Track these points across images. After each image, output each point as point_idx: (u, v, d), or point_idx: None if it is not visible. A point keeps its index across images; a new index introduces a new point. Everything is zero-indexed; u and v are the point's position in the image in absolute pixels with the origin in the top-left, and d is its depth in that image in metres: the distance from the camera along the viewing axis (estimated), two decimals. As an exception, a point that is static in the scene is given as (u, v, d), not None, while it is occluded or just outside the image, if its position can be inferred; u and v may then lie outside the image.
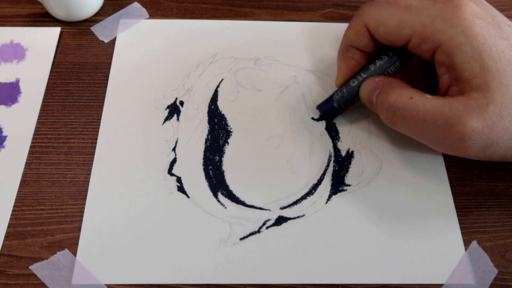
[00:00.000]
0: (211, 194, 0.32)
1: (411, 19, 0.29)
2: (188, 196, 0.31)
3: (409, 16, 0.29)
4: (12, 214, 0.30)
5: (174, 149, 0.33)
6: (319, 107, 0.34)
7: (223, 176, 0.32)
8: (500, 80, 0.26)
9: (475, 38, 0.27)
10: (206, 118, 0.35)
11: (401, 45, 0.30)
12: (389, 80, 0.31)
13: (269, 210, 0.31)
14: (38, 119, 0.35)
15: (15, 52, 0.38)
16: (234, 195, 0.32)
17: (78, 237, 0.30)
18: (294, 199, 0.31)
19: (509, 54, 0.27)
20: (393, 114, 0.29)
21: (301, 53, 0.39)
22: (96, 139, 0.34)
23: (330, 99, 0.33)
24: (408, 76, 0.33)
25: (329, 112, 0.34)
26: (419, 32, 0.28)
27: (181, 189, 0.32)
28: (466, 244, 0.30)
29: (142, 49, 0.38)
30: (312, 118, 0.35)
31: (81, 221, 0.30)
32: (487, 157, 0.29)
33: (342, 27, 0.40)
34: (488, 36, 0.27)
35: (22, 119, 0.34)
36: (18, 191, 0.31)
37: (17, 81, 0.36)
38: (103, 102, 0.35)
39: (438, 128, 0.28)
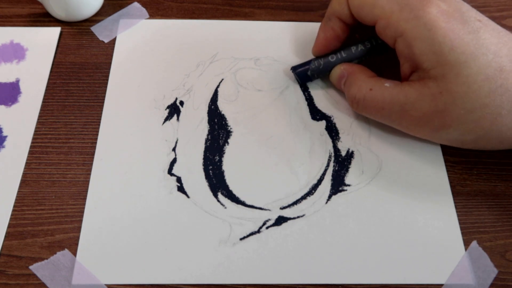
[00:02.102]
0: (211, 194, 0.32)
1: (383, 1, 0.30)
2: (188, 196, 0.31)
3: None
4: (12, 214, 0.31)
5: (174, 149, 0.33)
6: (294, 68, 0.36)
7: (223, 176, 0.32)
8: (459, 71, 0.27)
9: (436, 31, 0.28)
10: (206, 118, 0.35)
11: (370, 24, 0.31)
12: (353, 69, 0.33)
13: (269, 210, 0.31)
14: (38, 119, 0.35)
15: (15, 52, 0.38)
16: (234, 195, 0.32)
17: (78, 237, 0.30)
18: (294, 199, 0.31)
19: (474, 47, 0.27)
20: (357, 104, 0.32)
21: (301, 53, 0.38)
22: (96, 139, 0.34)
23: (306, 65, 0.35)
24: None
25: (301, 76, 0.36)
26: (386, 16, 0.30)
27: (181, 189, 0.32)
28: (466, 244, 0.30)
29: (142, 49, 0.38)
30: (312, 119, 0.35)
31: (81, 221, 0.30)
32: (445, 140, 0.31)
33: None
34: (451, 29, 0.28)
35: (22, 119, 0.34)
36: (18, 191, 0.31)
37: (17, 81, 0.36)
38: (103, 102, 0.35)
39: (396, 113, 0.30)
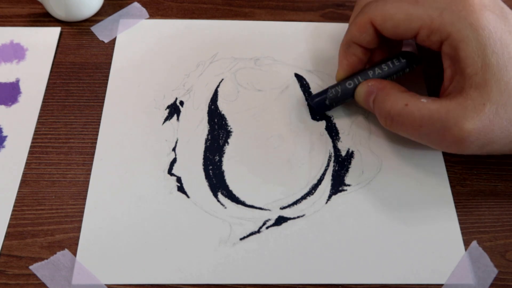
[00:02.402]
0: (211, 194, 0.32)
1: (418, 12, 0.28)
2: (188, 196, 0.31)
3: (417, 9, 0.29)
4: (12, 214, 0.30)
5: (174, 149, 0.33)
6: (311, 99, 0.35)
7: (223, 176, 0.32)
8: (500, 77, 0.26)
9: (482, 32, 0.27)
10: (206, 118, 0.35)
11: (410, 38, 0.30)
12: (383, 85, 0.31)
13: (269, 210, 0.31)
14: (38, 119, 0.35)
15: (15, 52, 0.38)
16: (234, 195, 0.32)
17: (78, 237, 0.30)
18: (294, 199, 0.31)
19: None
20: (391, 121, 0.30)
21: (301, 53, 0.38)
22: (96, 139, 0.34)
23: (323, 94, 0.34)
24: (408, 76, 0.33)
25: (319, 107, 0.34)
26: (427, 25, 0.28)
27: (181, 189, 0.32)
28: (466, 244, 0.30)
29: (142, 49, 0.38)
30: (312, 119, 0.35)
31: (81, 221, 0.30)
32: (485, 152, 0.29)
33: (342, 27, 0.40)
34: (494, 30, 0.27)
35: (22, 119, 0.34)
36: (18, 191, 0.31)
37: (17, 81, 0.36)
38: (103, 102, 0.35)
39: (435, 132, 0.28)
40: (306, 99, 0.36)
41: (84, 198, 0.31)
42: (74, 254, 0.29)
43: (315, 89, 0.37)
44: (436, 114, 0.28)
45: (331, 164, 0.33)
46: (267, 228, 0.30)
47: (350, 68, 0.33)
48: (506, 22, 0.27)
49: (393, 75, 0.33)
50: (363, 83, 0.32)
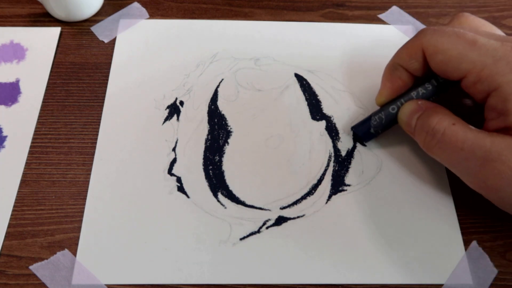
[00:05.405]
0: (211, 194, 0.32)
1: (473, 55, 0.27)
2: (188, 196, 0.31)
3: (472, 52, 0.27)
4: (12, 214, 0.31)
5: (174, 149, 0.33)
6: (354, 128, 0.33)
7: (223, 176, 0.32)
8: None
9: None
10: (206, 118, 0.35)
11: (455, 79, 0.28)
12: (433, 105, 0.30)
13: (269, 210, 0.31)
14: (38, 119, 0.35)
15: (15, 52, 0.38)
16: (234, 195, 0.32)
17: (78, 237, 0.30)
18: (294, 199, 0.32)
19: None
20: (431, 137, 0.28)
21: (301, 53, 0.39)
22: (96, 139, 0.34)
23: (366, 122, 0.32)
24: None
25: (364, 136, 0.33)
26: (477, 70, 0.27)
27: (181, 189, 0.32)
28: (466, 244, 0.30)
29: (142, 49, 0.38)
30: (312, 119, 0.35)
31: (81, 221, 0.30)
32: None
33: (342, 27, 0.40)
34: None
35: (22, 119, 0.34)
36: (18, 191, 0.31)
37: (17, 81, 0.36)
38: (103, 102, 0.35)
39: (475, 159, 0.26)
40: (352, 128, 0.34)
41: (84, 198, 0.31)
42: (74, 254, 0.29)
43: (315, 89, 0.37)
44: (481, 141, 0.26)
45: (331, 164, 0.33)
46: (267, 228, 0.30)
47: (394, 91, 0.32)
48: None
49: (437, 92, 0.31)
50: (412, 101, 0.30)
